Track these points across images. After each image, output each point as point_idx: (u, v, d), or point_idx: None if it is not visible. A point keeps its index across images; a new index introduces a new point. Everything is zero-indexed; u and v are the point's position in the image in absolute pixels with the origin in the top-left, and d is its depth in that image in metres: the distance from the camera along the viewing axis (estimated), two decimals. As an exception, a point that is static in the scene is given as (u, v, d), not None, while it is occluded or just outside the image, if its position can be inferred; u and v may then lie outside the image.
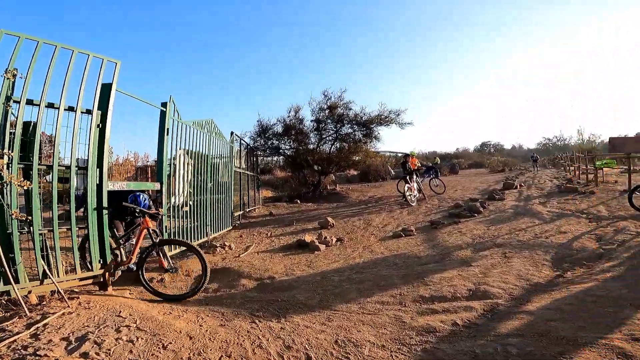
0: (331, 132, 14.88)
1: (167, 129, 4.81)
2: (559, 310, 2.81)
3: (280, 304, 3.44)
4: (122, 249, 3.86)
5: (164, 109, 4.78)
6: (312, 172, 15.51)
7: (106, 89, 3.47)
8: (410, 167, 10.82)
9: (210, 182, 6.63)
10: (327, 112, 14.51)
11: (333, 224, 8.08)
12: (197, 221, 5.92)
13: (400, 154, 24.50)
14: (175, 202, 5.21)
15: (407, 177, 10.45)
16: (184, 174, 5.63)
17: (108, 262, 3.51)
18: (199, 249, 3.88)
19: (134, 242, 3.94)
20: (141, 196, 4.51)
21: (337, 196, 13.95)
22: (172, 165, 5.18)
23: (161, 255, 4.07)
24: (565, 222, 6.48)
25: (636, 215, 6.36)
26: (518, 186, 12.21)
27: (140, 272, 3.70)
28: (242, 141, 10.09)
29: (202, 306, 3.47)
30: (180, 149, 5.30)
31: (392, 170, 20.63)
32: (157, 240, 3.82)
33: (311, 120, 14.83)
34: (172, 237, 4.83)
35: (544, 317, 2.69)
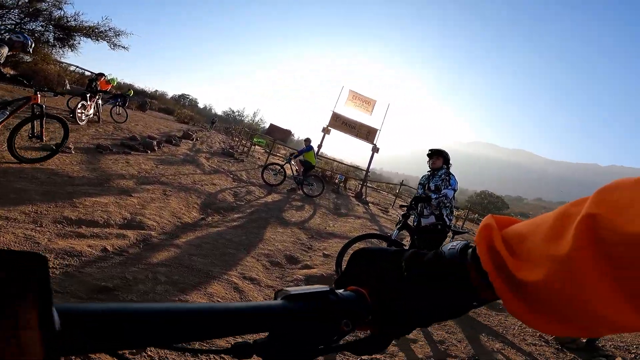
0: (10, 21, 9.94)
1: None
2: (199, 247, 3.40)
3: None
4: None
5: None
6: None
7: None
8: (99, 86, 9.16)
9: None
10: (22, 1, 9.71)
11: None
12: None
13: (88, 73, 19.63)
14: None
15: (88, 95, 8.68)
16: None
17: None
18: None
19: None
20: None
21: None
22: None
23: None
24: (218, 177, 7.83)
25: (262, 185, 8.82)
26: (195, 139, 13.28)
27: None
28: None
29: None
30: None
31: (68, 84, 15.99)
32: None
33: None
34: None
35: (189, 252, 3.16)
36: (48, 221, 2.77)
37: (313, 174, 10.20)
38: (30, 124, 4.52)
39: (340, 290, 0.38)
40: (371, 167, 14.44)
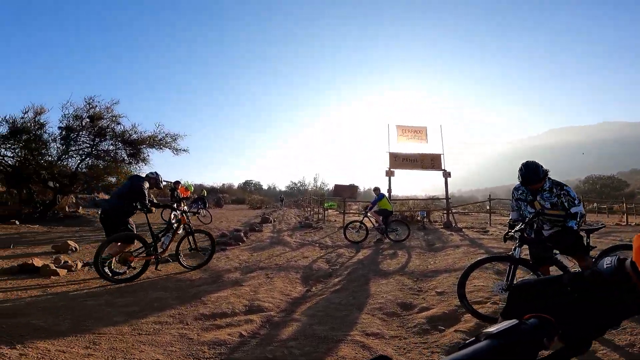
0: (85, 145, 12.07)
1: None
2: (315, 316, 3.48)
3: (9, 330, 2.45)
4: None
5: None
6: (44, 189, 11.70)
7: None
8: (180, 194, 10.54)
9: None
10: (85, 121, 11.77)
11: (76, 248, 6.42)
12: None
13: (165, 182, 22.89)
14: None
15: (175, 205, 10.04)
16: None
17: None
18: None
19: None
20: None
21: (80, 220, 11.22)
22: None
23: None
24: (306, 250, 8.11)
25: (348, 245, 8.88)
26: (272, 221, 14.22)
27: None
28: None
29: None
30: None
31: (154, 198, 18.80)
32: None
33: (59, 127, 11.55)
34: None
35: (308, 323, 3.26)
36: (190, 319, 3.17)
37: (394, 219, 10.03)
38: (187, 239, 5.70)
39: (526, 320, 0.47)
40: (448, 192, 13.72)
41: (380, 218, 9.37)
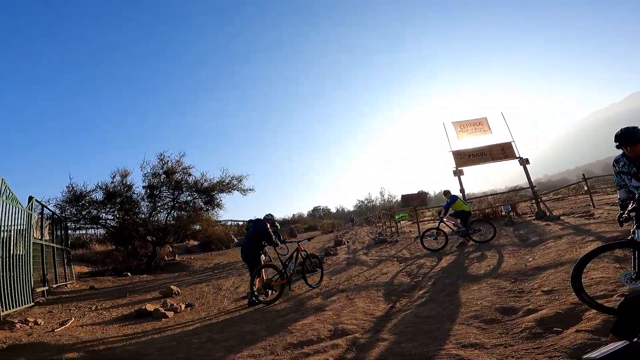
0: (168, 199, 13.47)
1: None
2: (403, 334, 3.31)
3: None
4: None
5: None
6: (144, 243, 13.36)
7: None
8: None
9: None
10: (162, 177, 13.16)
11: (178, 291, 7.18)
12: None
13: (241, 222, 24.37)
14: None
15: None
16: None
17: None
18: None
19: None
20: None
21: (178, 266, 12.55)
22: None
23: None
24: (384, 266, 7.85)
25: (428, 254, 8.39)
26: (346, 242, 14.15)
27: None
28: (45, 209, 8.24)
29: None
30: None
31: (235, 239, 20.15)
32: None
33: (143, 187, 13.11)
34: None
35: (396, 341, 3.12)
36: (280, 349, 3.26)
37: (474, 219, 9.29)
38: (304, 264, 6.76)
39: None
40: (532, 179, 12.27)
41: (458, 221, 8.76)
